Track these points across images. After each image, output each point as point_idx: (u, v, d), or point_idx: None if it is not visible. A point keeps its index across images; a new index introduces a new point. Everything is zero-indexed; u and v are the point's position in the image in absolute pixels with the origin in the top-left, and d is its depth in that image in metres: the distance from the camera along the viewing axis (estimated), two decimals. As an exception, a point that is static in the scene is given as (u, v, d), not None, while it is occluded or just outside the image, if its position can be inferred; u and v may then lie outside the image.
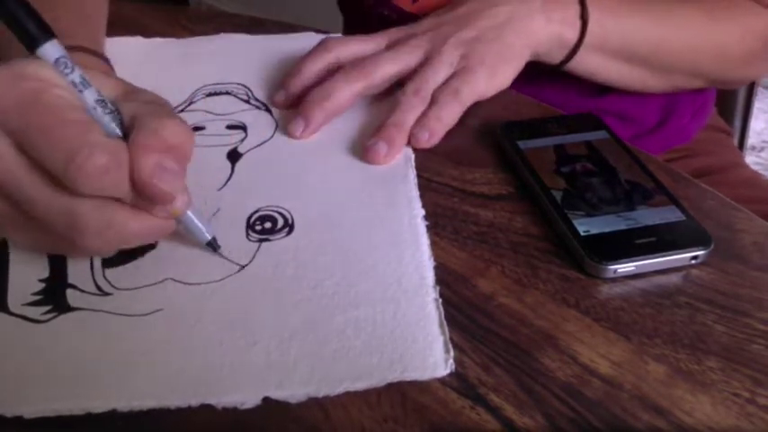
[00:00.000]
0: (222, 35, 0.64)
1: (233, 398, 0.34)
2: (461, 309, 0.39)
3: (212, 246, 0.42)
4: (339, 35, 0.59)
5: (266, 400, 0.34)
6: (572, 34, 0.56)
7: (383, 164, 0.49)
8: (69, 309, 0.39)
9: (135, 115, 0.37)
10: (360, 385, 0.35)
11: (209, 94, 0.56)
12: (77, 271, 0.41)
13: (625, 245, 0.41)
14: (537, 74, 0.57)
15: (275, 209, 0.45)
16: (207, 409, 0.34)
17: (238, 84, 0.57)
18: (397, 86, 0.53)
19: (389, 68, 0.53)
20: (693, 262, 0.41)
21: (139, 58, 0.60)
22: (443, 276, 0.41)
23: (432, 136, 0.50)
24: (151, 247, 0.42)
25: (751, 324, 0.38)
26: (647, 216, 0.43)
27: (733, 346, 0.37)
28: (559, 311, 0.39)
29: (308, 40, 0.59)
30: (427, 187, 0.47)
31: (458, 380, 0.35)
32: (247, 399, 0.34)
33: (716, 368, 0.36)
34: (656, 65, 0.61)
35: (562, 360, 0.36)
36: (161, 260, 0.42)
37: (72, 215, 0.35)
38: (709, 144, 0.76)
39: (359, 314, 0.38)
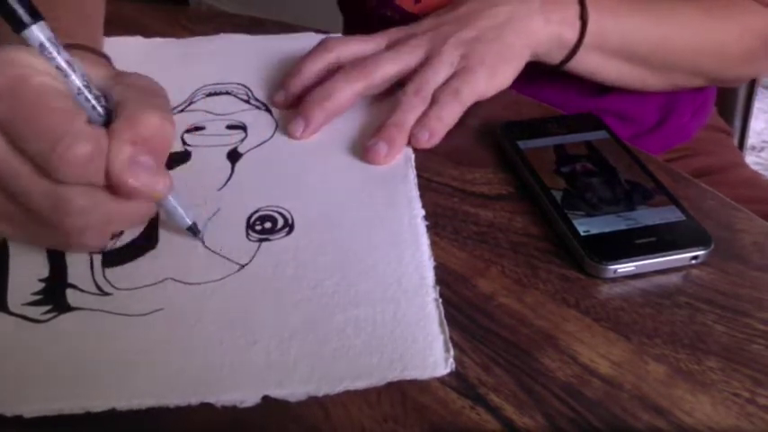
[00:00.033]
0: (222, 35, 0.64)
1: (232, 396, 0.34)
2: (461, 309, 0.39)
3: (193, 230, 0.42)
4: (339, 35, 0.59)
5: (266, 398, 0.34)
6: (571, 34, 0.56)
7: (383, 164, 0.49)
8: (69, 308, 0.39)
9: (120, 101, 0.37)
10: (360, 384, 0.35)
11: (209, 94, 0.56)
12: (77, 271, 0.41)
13: (625, 245, 0.41)
14: (537, 74, 0.57)
15: (275, 209, 0.45)
16: (206, 408, 0.34)
17: (238, 84, 0.57)
18: (397, 86, 0.54)
19: (390, 68, 0.53)
20: (693, 262, 0.41)
21: (139, 58, 0.60)
22: (443, 276, 0.41)
23: (432, 136, 0.50)
24: (151, 247, 0.42)
25: (751, 324, 0.38)
26: (647, 216, 0.43)
27: (733, 346, 0.37)
28: (559, 311, 0.39)
29: (308, 40, 0.59)
30: (427, 187, 0.47)
31: (458, 380, 0.35)
32: (247, 397, 0.34)
33: (716, 368, 0.36)
34: (655, 64, 0.61)
35: (562, 360, 0.36)
36: (161, 260, 0.42)
37: (56, 197, 0.35)
38: (709, 144, 0.76)
39: (359, 313, 0.38)
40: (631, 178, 0.46)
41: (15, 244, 0.42)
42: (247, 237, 0.43)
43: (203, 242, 0.42)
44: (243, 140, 0.51)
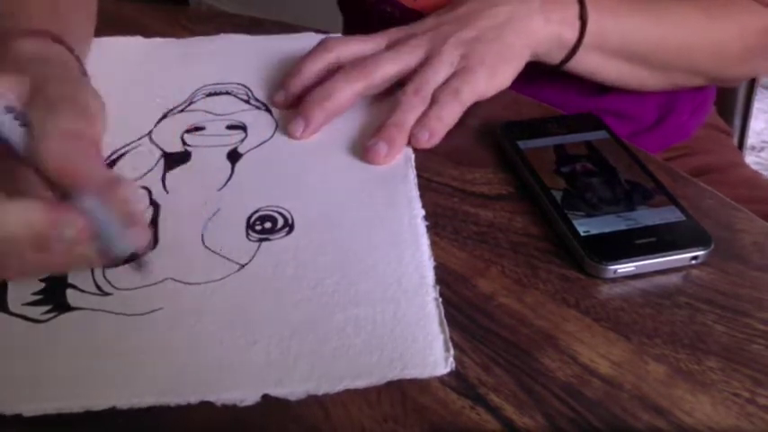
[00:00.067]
0: (222, 35, 0.64)
1: (232, 395, 0.34)
2: (461, 309, 0.39)
3: (137, 263, 0.38)
4: (339, 35, 0.59)
5: (266, 397, 0.34)
6: (571, 34, 0.56)
7: (383, 164, 0.49)
8: (69, 308, 0.39)
9: (37, 122, 0.37)
10: (360, 383, 0.35)
11: (210, 95, 0.56)
12: (77, 271, 0.41)
13: (625, 245, 0.41)
14: (537, 74, 0.57)
15: (275, 209, 0.45)
16: (206, 406, 0.34)
17: (238, 84, 0.57)
18: (397, 86, 0.54)
19: (390, 68, 0.53)
20: (693, 262, 0.41)
21: (139, 58, 0.60)
22: (443, 276, 0.41)
23: (432, 136, 0.50)
24: (151, 247, 0.42)
25: (751, 324, 0.38)
26: (647, 216, 0.43)
27: (733, 346, 0.37)
28: (559, 311, 0.39)
29: (307, 40, 0.59)
30: (427, 187, 0.47)
31: (458, 380, 0.35)
32: (247, 396, 0.34)
33: (716, 368, 0.36)
34: (655, 64, 0.62)
35: (562, 360, 0.36)
36: (161, 260, 0.41)
37: None
38: (709, 143, 0.77)
39: (359, 313, 0.38)
40: (631, 178, 0.46)
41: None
42: (247, 237, 0.43)
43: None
44: (243, 140, 0.51)
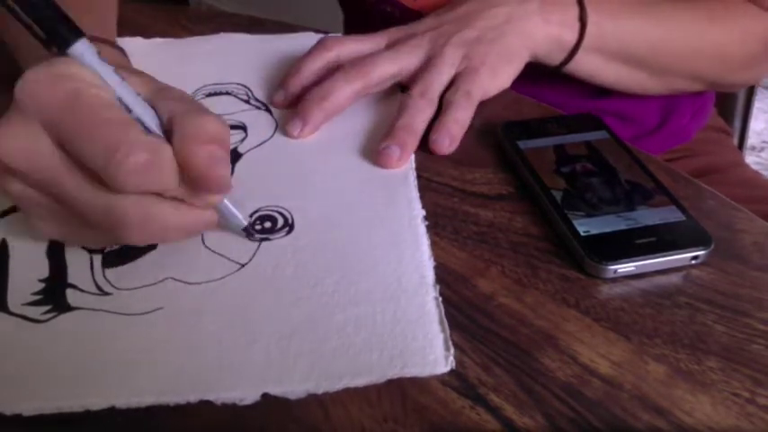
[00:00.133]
0: (222, 35, 0.64)
1: (232, 394, 0.34)
2: (461, 308, 0.39)
3: (248, 232, 0.43)
4: (339, 34, 0.59)
5: (266, 397, 0.34)
6: (571, 36, 0.56)
7: (396, 167, 0.48)
8: (69, 308, 0.39)
9: (172, 112, 0.37)
10: (360, 381, 0.35)
11: (209, 95, 0.56)
12: (77, 271, 0.41)
13: (625, 245, 0.41)
14: (537, 74, 0.57)
15: (275, 209, 0.45)
16: (206, 406, 0.34)
17: (238, 84, 0.57)
18: (397, 86, 0.53)
19: (389, 68, 0.53)
20: (693, 262, 0.41)
21: (139, 58, 0.60)
22: (443, 276, 0.41)
23: (453, 141, 0.50)
24: (151, 247, 0.42)
25: (751, 324, 0.38)
26: (647, 216, 0.43)
27: (733, 346, 0.37)
28: (559, 311, 0.39)
29: (307, 39, 0.59)
30: (427, 187, 0.47)
31: (458, 380, 0.35)
32: (247, 395, 0.34)
33: (716, 368, 0.36)
34: (654, 67, 0.61)
35: (562, 360, 0.36)
36: (161, 260, 0.42)
37: (113, 212, 0.35)
38: (709, 144, 0.76)
39: (359, 312, 0.38)
40: (631, 178, 0.46)
41: (16, 244, 0.42)
42: (247, 236, 0.43)
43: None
44: (243, 140, 0.51)
